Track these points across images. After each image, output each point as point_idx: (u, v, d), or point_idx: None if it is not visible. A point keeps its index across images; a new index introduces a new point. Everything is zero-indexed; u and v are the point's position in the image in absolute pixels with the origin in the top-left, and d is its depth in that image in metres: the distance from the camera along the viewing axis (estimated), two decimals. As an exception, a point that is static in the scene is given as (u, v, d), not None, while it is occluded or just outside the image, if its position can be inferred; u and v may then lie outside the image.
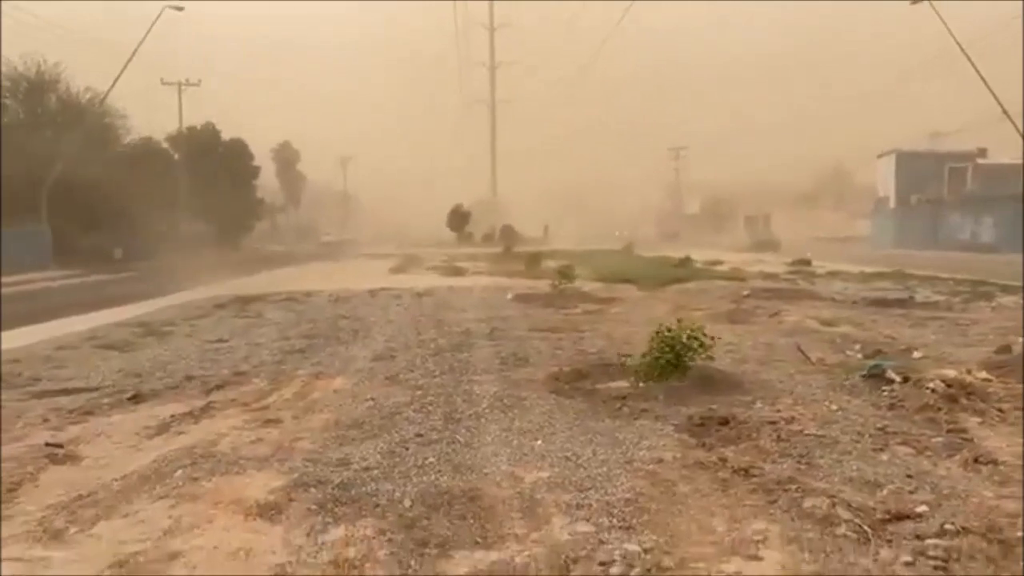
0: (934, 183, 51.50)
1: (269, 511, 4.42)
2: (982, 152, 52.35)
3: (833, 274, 23.12)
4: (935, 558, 3.69)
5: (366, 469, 5.16)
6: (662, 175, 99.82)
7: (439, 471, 5.12)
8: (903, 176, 53.76)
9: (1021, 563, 3.64)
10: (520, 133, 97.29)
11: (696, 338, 7.36)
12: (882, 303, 14.87)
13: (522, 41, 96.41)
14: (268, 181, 73.88)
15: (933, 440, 5.64)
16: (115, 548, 3.96)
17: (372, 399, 7.26)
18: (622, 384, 7.63)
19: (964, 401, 6.67)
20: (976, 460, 5.13)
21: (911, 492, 4.59)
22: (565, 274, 17.66)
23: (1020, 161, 37.85)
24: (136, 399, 7.45)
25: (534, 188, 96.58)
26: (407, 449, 5.64)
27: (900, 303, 14.87)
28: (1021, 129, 30.73)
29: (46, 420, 6.72)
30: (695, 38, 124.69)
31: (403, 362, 9.23)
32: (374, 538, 4.04)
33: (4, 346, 11.12)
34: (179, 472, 5.14)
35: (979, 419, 6.22)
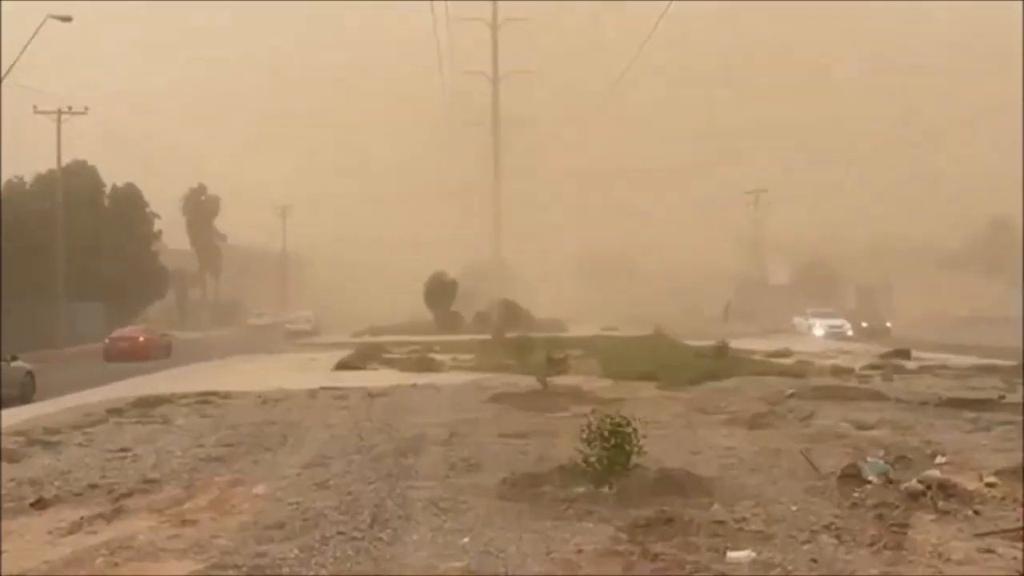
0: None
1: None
2: None
3: (928, 369, 25.70)
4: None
5: (283, 559, 7.75)
6: (736, 229, 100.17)
7: (356, 561, 7.70)
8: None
9: None
10: (534, 168, 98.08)
11: (623, 430, 10.20)
12: (956, 404, 17.36)
13: (532, 44, 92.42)
14: (179, 241, 78.22)
15: (866, 532, 8.18)
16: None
17: (296, 503, 9.87)
18: (579, 490, 10.16)
19: (935, 501, 9.19)
20: (885, 547, 7.68)
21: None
22: (556, 366, 20.27)
23: None
24: (39, 504, 10.10)
25: (555, 249, 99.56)
26: (327, 545, 8.21)
27: (979, 404, 17.32)
28: None
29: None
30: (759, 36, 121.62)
31: (337, 469, 11.84)
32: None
33: None
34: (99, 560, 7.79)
35: (933, 516, 8.75)
